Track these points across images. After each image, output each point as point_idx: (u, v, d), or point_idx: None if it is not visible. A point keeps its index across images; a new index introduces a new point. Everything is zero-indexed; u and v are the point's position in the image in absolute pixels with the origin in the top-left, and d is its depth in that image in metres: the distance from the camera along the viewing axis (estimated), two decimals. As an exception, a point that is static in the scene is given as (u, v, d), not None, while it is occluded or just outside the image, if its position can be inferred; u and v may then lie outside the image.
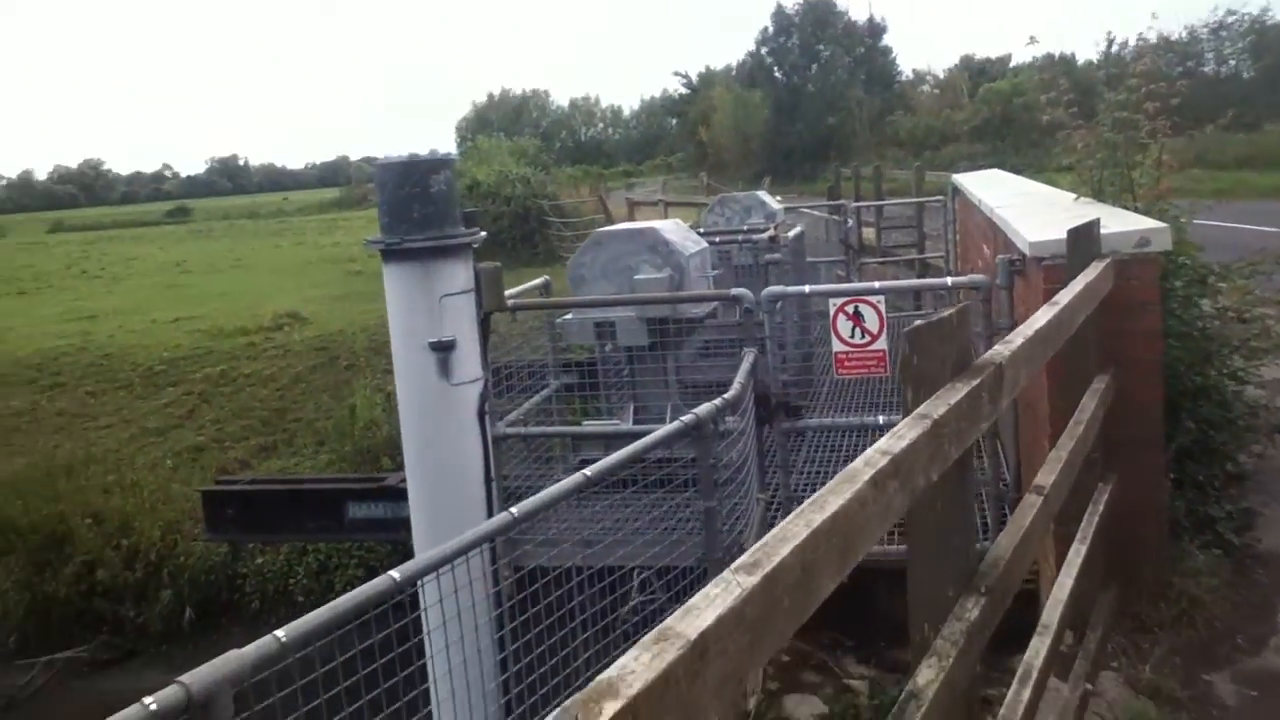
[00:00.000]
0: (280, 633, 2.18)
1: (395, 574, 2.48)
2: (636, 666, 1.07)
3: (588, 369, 7.10)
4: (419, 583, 2.90)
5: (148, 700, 1.99)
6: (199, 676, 2.04)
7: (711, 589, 1.24)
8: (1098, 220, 4.61)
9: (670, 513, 5.16)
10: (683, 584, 4.48)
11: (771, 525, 1.82)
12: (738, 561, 1.32)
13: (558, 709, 1.01)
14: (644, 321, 6.23)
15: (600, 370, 6.97)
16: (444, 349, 4.71)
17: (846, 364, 5.30)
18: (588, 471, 3.28)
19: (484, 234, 5.11)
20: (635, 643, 1.12)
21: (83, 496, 12.34)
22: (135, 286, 24.88)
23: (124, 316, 19.38)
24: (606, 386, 6.93)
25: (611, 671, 1.06)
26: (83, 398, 15.39)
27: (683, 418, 3.89)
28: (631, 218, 18.74)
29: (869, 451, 1.81)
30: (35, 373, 16.27)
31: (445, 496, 4.78)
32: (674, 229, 6.85)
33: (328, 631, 2.30)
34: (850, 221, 13.85)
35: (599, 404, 6.95)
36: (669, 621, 1.17)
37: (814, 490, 1.66)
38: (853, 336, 5.25)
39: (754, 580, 1.28)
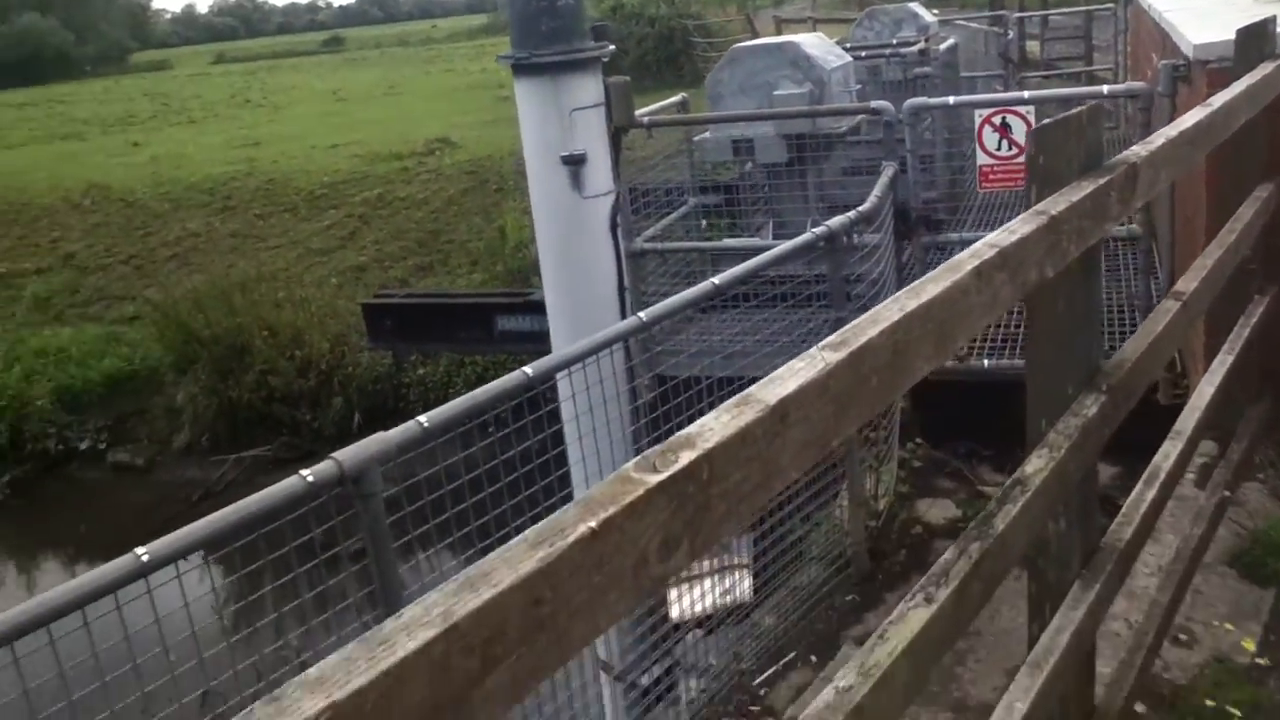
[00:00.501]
0: (423, 418, 2.38)
1: (529, 369, 2.65)
2: (716, 425, 1.16)
3: (726, 188, 7.09)
4: (555, 378, 3.07)
5: (305, 472, 2.23)
6: (350, 453, 2.27)
7: (797, 363, 1.32)
8: (1273, 18, 4.27)
9: (803, 326, 5.21)
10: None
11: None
12: (825, 340, 1.39)
13: (638, 456, 1.11)
14: (783, 138, 6.15)
15: (739, 189, 6.95)
16: (575, 162, 4.80)
17: (991, 177, 5.16)
18: (716, 280, 3.36)
19: (612, 48, 5.10)
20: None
21: (257, 311, 13.19)
22: (295, 115, 25.61)
23: (286, 143, 20.08)
24: (745, 205, 6.92)
25: (692, 429, 1.16)
26: (252, 220, 16.20)
27: (815, 229, 3.91)
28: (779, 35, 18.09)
29: (977, 244, 1.83)
30: (208, 197, 17.15)
31: (581, 305, 4.96)
32: (815, 43, 6.65)
33: (466, 419, 2.50)
34: (1011, 33, 13.05)
35: (737, 223, 6.96)
36: (751, 389, 1.26)
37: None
38: (999, 149, 5.09)
39: (839, 356, 1.35)
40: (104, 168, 19.66)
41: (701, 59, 21.64)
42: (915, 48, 8.15)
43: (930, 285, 1.65)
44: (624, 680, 4.19)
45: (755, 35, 17.06)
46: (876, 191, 4.60)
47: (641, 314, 3.09)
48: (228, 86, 36.20)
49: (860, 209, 4.28)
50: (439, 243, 14.60)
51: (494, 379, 2.71)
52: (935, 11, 11.98)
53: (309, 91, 31.76)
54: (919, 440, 5.24)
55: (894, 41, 8.86)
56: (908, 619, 1.60)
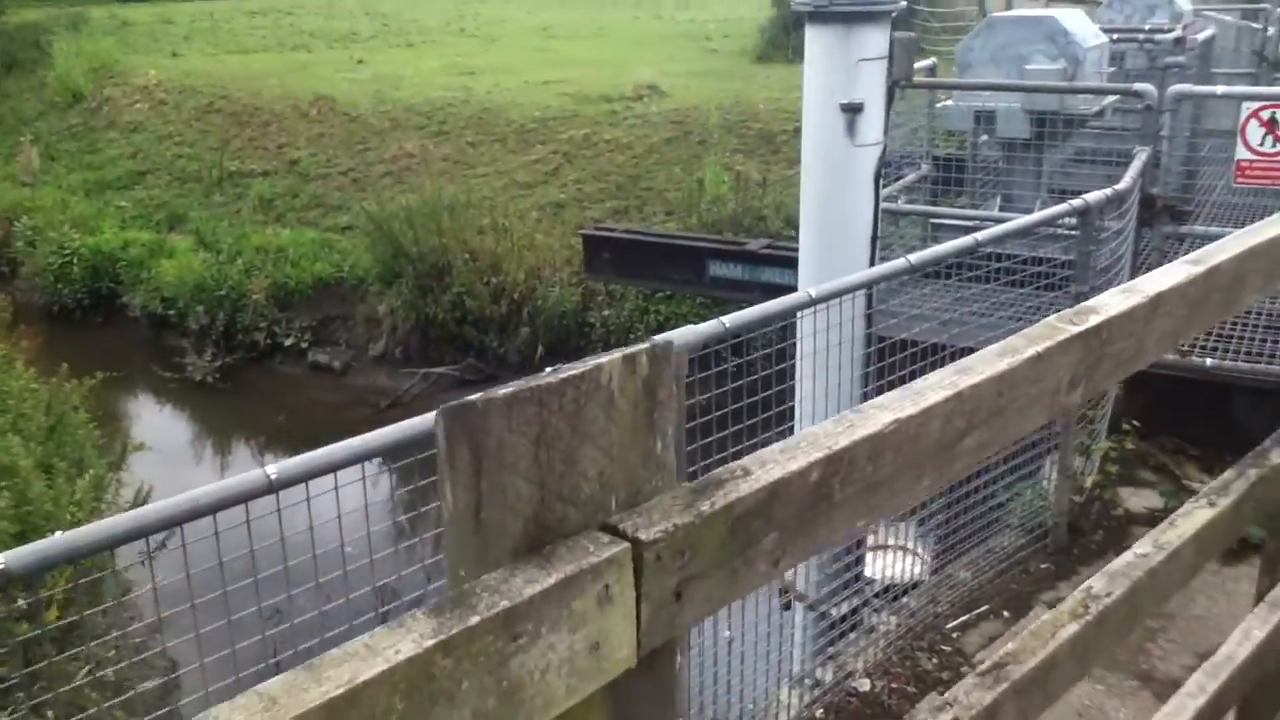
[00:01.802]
0: (725, 319, 2.61)
1: (812, 291, 2.84)
2: (1111, 303, 1.35)
3: (957, 163, 7.09)
4: (798, 316, 3.25)
5: (625, 351, 2.49)
6: (663, 339, 2.53)
7: (1170, 267, 1.49)
8: None
9: (1020, 305, 5.24)
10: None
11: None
12: (1191, 255, 1.55)
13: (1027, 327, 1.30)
14: (1027, 113, 6.12)
15: (969, 164, 6.95)
16: (853, 110, 4.92)
17: (1249, 172, 5.04)
18: (979, 236, 3.47)
19: (904, 3, 5.19)
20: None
21: (461, 235, 13.79)
22: (507, 47, 26.30)
23: (499, 75, 20.68)
24: (973, 182, 6.92)
25: (1093, 301, 1.34)
26: (464, 146, 16.85)
27: (1071, 201, 3.95)
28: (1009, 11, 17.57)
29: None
30: (425, 120, 17.89)
31: (833, 250, 5.11)
32: (1074, 18, 6.55)
33: (762, 324, 2.72)
34: (1272, 29, 12.31)
35: (964, 195, 6.97)
36: (1133, 282, 1.43)
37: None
38: (1262, 145, 4.97)
39: (1198, 270, 1.52)
40: (330, 81, 20.67)
41: (922, 28, 21.22)
42: (1171, 35, 7.89)
43: (1269, 228, 1.77)
44: (816, 610, 4.38)
45: (982, 8, 16.67)
46: (1130, 174, 4.58)
47: (909, 257, 3.24)
48: (442, 13, 37.32)
49: (1115, 187, 4.28)
50: (638, 188, 14.90)
51: (673, 329, 2.89)
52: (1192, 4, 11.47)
53: (519, 25, 32.48)
54: (1129, 428, 5.22)
55: (1145, 27, 8.58)
56: (1194, 515, 1.74)
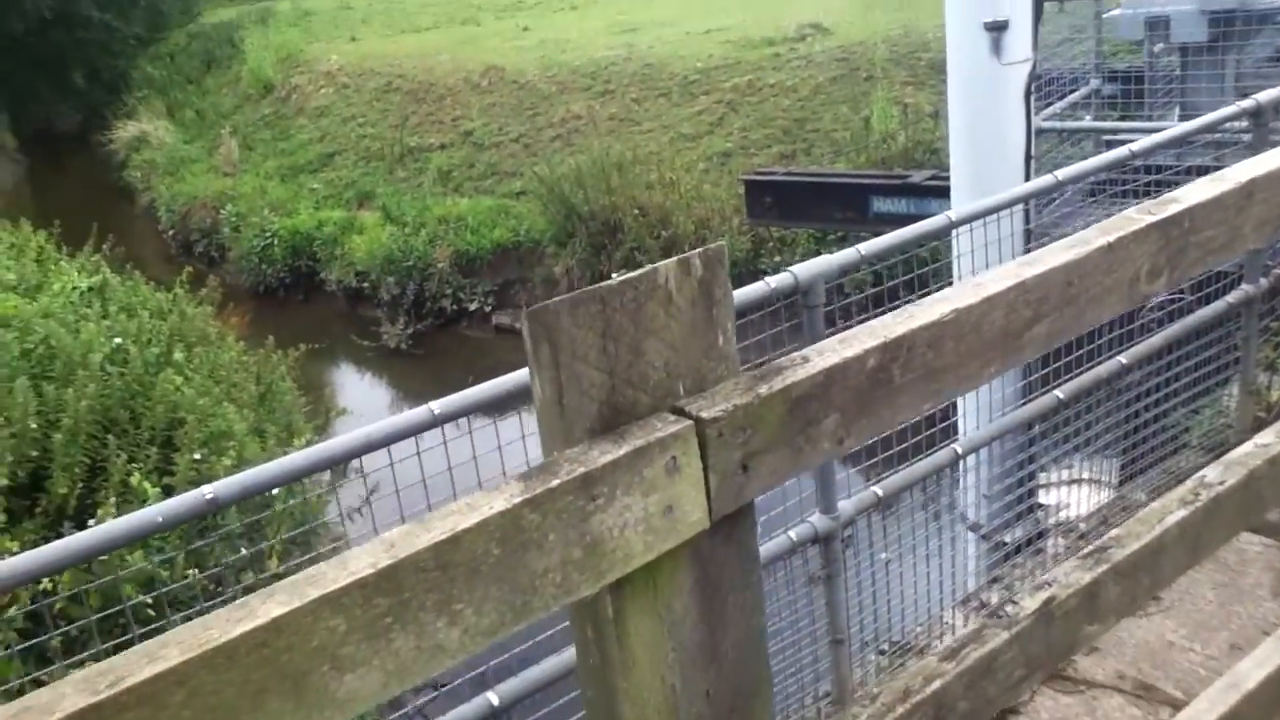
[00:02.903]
0: (861, 247, 2.68)
1: (950, 215, 2.86)
2: (1195, 191, 1.37)
3: (1134, 77, 6.76)
4: (953, 234, 3.25)
5: (768, 279, 2.60)
6: (803, 268, 2.62)
7: (1267, 154, 1.48)
8: None
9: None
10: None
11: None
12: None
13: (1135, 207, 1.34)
14: (1204, 14, 5.78)
15: (1146, 76, 6.61)
16: (998, 29, 4.81)
17: None
18: (1132, 147, 3.37)
19: None
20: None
21: (630, 191, 14.02)
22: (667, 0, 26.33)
23: (660, 28, 20.76)
24: (1152, 94, 6.59)
25: (1177, 192, 1.37)
26: (629, 104, 17.05)
27: (1242, 102, 3.77)
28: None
29: None
30: (590, 80, 18.18)
31: (986, 173, 5.03)
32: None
33: (900, 250, 2.77)
34: None
35: (1142, 112, 6.65)
36: (1222, 171, 1.44)
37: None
38: None
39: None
40: (499, 51, 21.25)
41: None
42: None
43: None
44: (990, 540, 4.38)
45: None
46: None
47: (1056, 173, 3.18)
48: (604, -26, 37.58)
49: (1293, 87, 4.04)
50: (804, 131, 14.75)
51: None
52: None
53: (681, -23, 32.36)
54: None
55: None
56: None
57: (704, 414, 0.97)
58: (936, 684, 1.21)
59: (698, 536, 1.00)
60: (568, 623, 1.09)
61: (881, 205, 7.35)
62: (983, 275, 1.16)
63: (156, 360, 7.32)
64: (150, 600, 3.71)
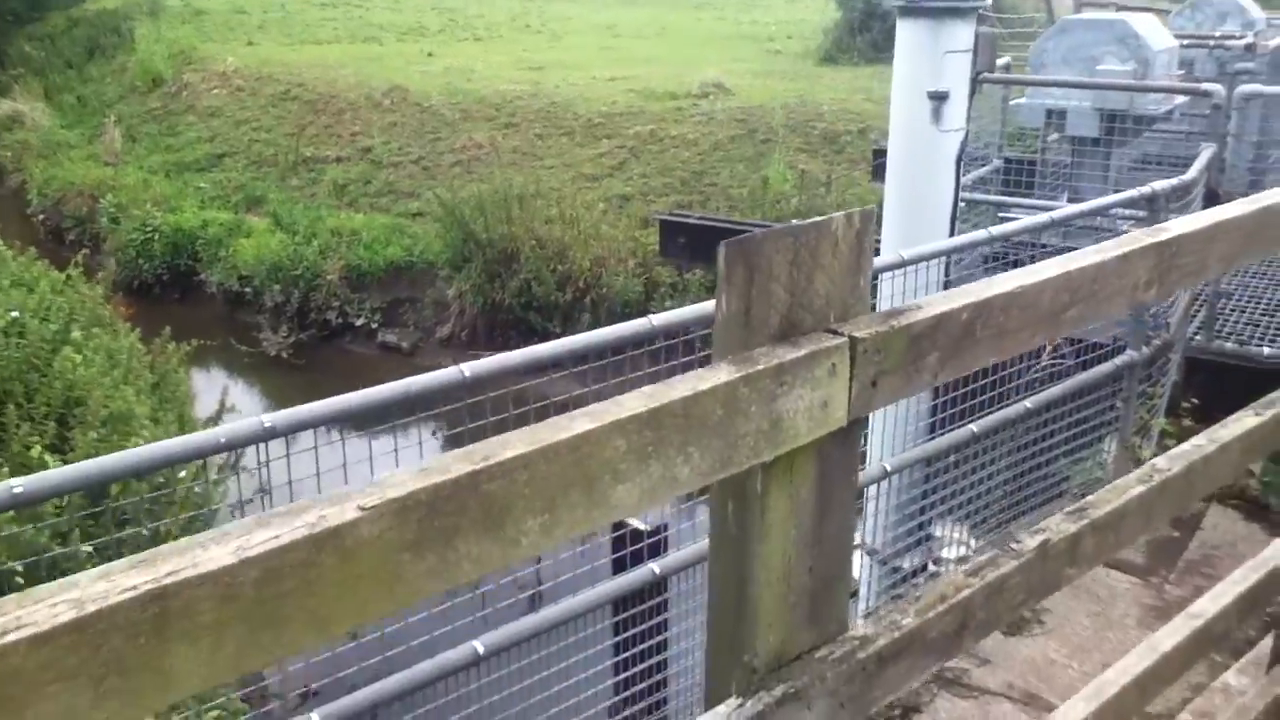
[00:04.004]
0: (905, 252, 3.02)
1: (904, 252, 3.21)
2: (1179, 224, 1.72)
3: (1026, 164, 7.40)
4: (879, 278, 3.61)
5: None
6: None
7: (1231, 205, 1.85)
8: None
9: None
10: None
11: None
12: (1250, 197, 1.91)
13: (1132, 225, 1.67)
14: (1097, 111, 6.43)
15: (1040, 161, 7.26)
16: (939, 99, 5.30)
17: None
18: (1054, 215, 3.81)
19: (990, 0, 5.56)
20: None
21: (530, 223, 14.25)
22: (573, 44, 26.82)
23: (566, 70, 21.18)
24: (1043, 177, 7.23)
25: (1167, 224, 1.71)
26: (532, 139, 17.33)
27: (1141, 189, 4.28)
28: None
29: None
30: (494, 111, 18.40)
31: (915, 229, 5.49)
32: (1144, 22, 6.85)
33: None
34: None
35: (1033, 194, 7.28)
36: (1201, 213, 1.80)
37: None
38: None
39: (1253, 207, 1.88)
40: (403, 72, 21.27)
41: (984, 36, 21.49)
42: (1242, 42, 8.14)
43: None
44: (886, 564, 4.74)
45: (1051, 14, 16.88)
46: (1197, 165, 4.90)
47: (990, 230, 3.59)
48: (508, 10, 37.92)
49: (1182, 178, 4.60)
50: (702, 184, 15.29)
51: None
52: (1265, 12, 11.65)
53: (585, 23, 32.98)
54: (1187, 407, 5.52)
55: (1216, 34, 8.83)
56: (1243, 420, 2.10)
57: (856, 334, 1.23)
58: (965, 593, 1.49)
59: (828, 436, 1.25)
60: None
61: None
62: (1035, 265, 1.47)
63: (54, 337, 7.17)
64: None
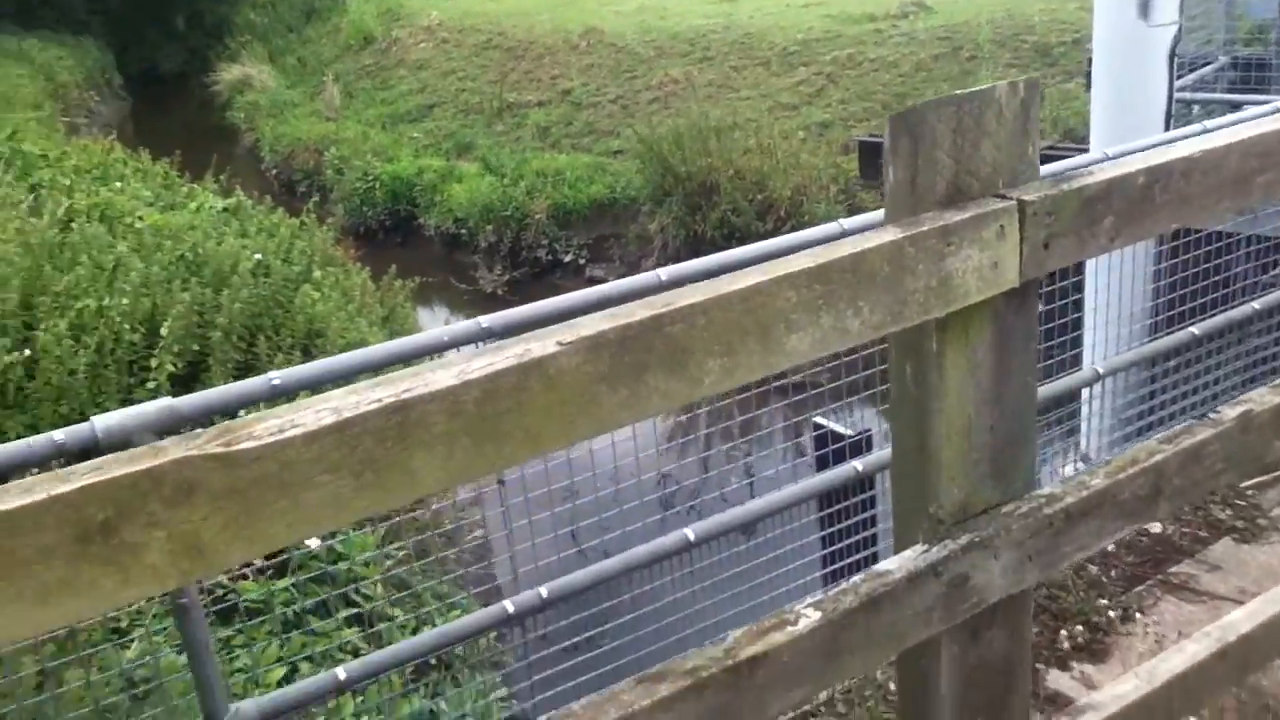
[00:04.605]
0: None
1: (1109, 150, 3.11)
2: None
3: (1258, 62, 6.87)
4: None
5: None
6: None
7: None
8: None
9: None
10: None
11: None
12: None
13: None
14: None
15: (1275, 58, 6.72)
16: None
17: None
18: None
19: None
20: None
21: (727, 155, 14.25)
22: (767, -26, 26.38)
23: (759, 1, 20.92)
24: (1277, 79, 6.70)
25: None
26: (727, 71, 17.26)
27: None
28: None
29: None
30: (688, 46, 18.40)
31: (1128, 129, 5.23)
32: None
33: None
34: None
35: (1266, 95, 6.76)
36: None
37: None
38: None
39: None
40: (597, 14, 21.52)
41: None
42: None
43: None
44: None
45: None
46: None
47: (1206, 123, 3.41)
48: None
49: None
50: (904, 106, 14.84)
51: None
52: None
53: (779, -47, 32.32)
54: None
55: None
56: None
57: (1024, 197, 1.28)
58: (1158, 457, 1.51)
59: (1001, 297, 1.31)
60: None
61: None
62: (1216, 132, 1.45)
63: (296, 276, 7.79)
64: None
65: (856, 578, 1.27)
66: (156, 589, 0.80)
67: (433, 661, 5.40)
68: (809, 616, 1.21)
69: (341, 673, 2.25)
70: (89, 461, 0.78)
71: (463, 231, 16.42)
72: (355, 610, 5.82)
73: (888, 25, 16.81)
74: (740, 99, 16.25)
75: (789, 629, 1.19)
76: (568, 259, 15.50)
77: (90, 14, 34.32)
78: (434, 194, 17.32)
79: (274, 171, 21.25)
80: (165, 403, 1.93)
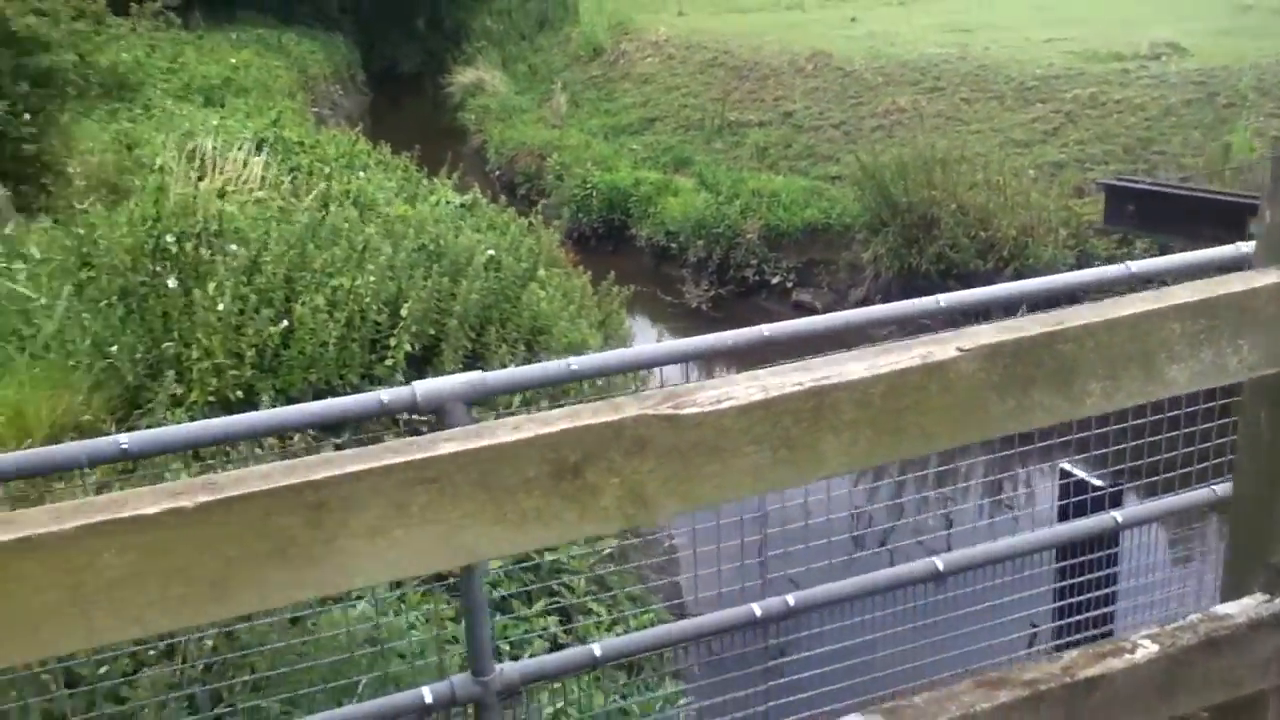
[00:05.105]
0: None
1: None
2: None
3: None
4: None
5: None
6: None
7: None
8: None
9: None
10: None
11: None
12: None
13: None
14: None
15: None
16: None
17: None
18: None
19: None
20: None
21: (951, 188, 13.95)
22: (1003, 5, 25.65)
23: (996, 32, 20.39)
24: None
25: None
26: (957, 103, 16.90)
27: None
28: None
29: None
30: (918, 75, 18.13)
31: None
32: None
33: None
34: None
35: None
36: None
37: None
38: None
39: None
40: (825, 38, 21.49)
41: None
42: None
43: None
44: None
45: None
46: None
47: None
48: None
49: None
50: (1148, 151, 14.18)
51: None
52: None
53: (1017, -14, 31.45)
54: None
55: None
56: None
57: None
58: None
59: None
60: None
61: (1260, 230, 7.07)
62: None
63: (524, 273, 8.13)
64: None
65: (1193, 617, 1.25)
66: (603, 529, 0.89)
67: (623, 663, 5.54)
68: (1146, 647, 1.20)
69: (597, 649, 2.35)
70: (565, 408, 0.87)
71: (673, 245, 16.67)
72: (556, 601, 6.00)
73: (1136, 66, 16.10)
74: (969, 132, 15.88)
75: (1127, 656, 1.19)
76: (775, 280, 15.50)
77: (342, 12, 36.70)
78: (648, 205, 17.66)
79: (496, 173, 22.15)
80: (475, 376, 2.08)
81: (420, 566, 0.84)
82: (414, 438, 0.83)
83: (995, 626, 3.28)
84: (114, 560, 0.74)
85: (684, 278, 16.08)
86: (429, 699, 2.14)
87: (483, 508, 0.84)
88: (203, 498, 0.76)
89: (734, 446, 0.93)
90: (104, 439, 1.79)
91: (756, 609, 2.46)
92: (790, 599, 2.51)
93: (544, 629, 5.48)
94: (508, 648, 5.32)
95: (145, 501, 0.75)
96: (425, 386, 2.04)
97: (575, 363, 2.17)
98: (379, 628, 3.07)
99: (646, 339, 14.86)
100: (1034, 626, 4.12)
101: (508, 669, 2.24)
